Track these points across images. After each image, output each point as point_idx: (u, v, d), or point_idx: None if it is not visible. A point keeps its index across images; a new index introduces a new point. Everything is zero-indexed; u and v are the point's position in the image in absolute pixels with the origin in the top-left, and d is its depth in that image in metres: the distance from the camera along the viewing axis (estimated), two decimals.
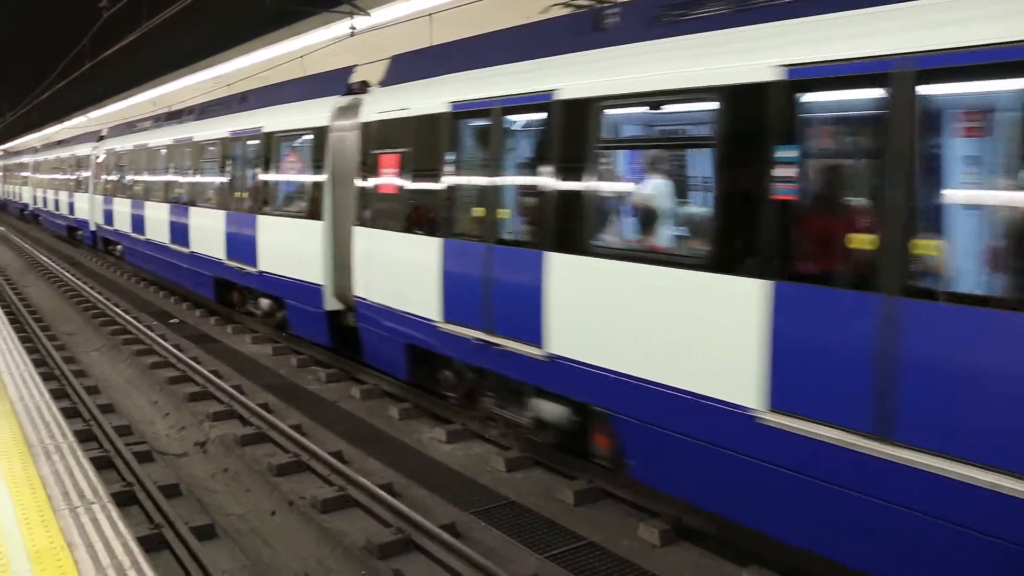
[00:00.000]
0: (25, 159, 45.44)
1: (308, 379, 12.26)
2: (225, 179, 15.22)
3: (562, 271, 7.30)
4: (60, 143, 36.96)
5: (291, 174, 13.14)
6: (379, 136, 10.24)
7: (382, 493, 7.50)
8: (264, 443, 9.44)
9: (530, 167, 7.90)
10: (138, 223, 20.74)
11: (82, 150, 28.67)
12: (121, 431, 9.75)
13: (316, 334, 12.37)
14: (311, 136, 12.15)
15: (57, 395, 9.80)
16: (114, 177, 23.84)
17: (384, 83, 10.78)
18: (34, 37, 27.74)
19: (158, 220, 18.94)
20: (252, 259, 13.73)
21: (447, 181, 8.91)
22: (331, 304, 11.69)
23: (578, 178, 7.16)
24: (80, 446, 5.79)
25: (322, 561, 6.84)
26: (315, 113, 12.09)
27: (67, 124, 48.05)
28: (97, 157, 26.15)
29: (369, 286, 10.39)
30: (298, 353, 13.46)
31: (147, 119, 22.86)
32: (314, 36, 19.13)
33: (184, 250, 17.13)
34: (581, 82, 7.23)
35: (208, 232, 15.74)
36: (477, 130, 8.73)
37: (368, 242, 10.39)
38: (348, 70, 12.46)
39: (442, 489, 8.03)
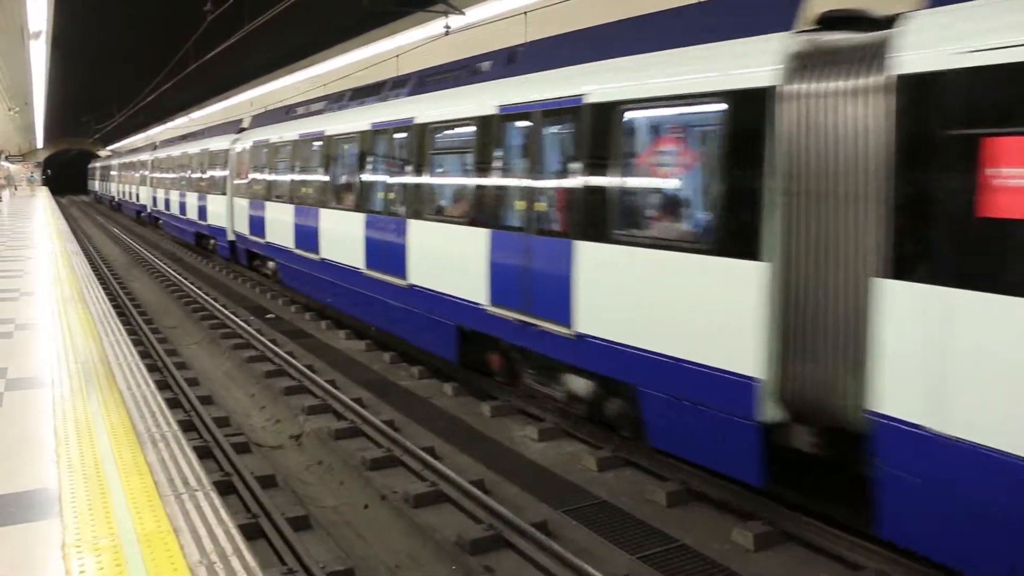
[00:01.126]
0: (143, 156, 40.82)
1: (401, 375, 12.39)
2: (487, 181, 9.84)
3: None
4: (186, 137, 32.59)
5: (664, 176, 7.60)
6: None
7: (474, 489, 7.52)
8: (358, 437, 9.57)
9: None
10: (307, 237, 15.80)
11: (217, 144, 24.11)
12: (220, 422, 10.02)
13: (725, 458, 7.09)
14: (725, 107, 6.80)
15: (161, 386, 10.11)
16: (266, 176, 18.90)
17: None
18: (143, 41, 28.78)
19: (344, 235, 13.95)
20: (558, 311, 8.51)
21: None
22: (772, 411, 6.59)
23: None
24: (183, 435, 5.95)
25: (413, 555, 6.89)
26: (733, 67, 6.85)
27: (170, 125, 49.67)
28: (238, 152, 21.63)
29: (967, 408, 5.19)
30: (390, 349, 13.61)
31: (315, 100, 18.05)
32: (409, 36, 19.35)
33: (398, 282, 11.99)
34: None
35: (451, 260, 10.64)
36: None
37: (976, 320, 5.14)
38: None
39: (533, 487, 8.02)
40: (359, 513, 7.76)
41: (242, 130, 22.92)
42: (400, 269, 11.86)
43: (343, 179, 14.48)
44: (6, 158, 63.52)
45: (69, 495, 4.72)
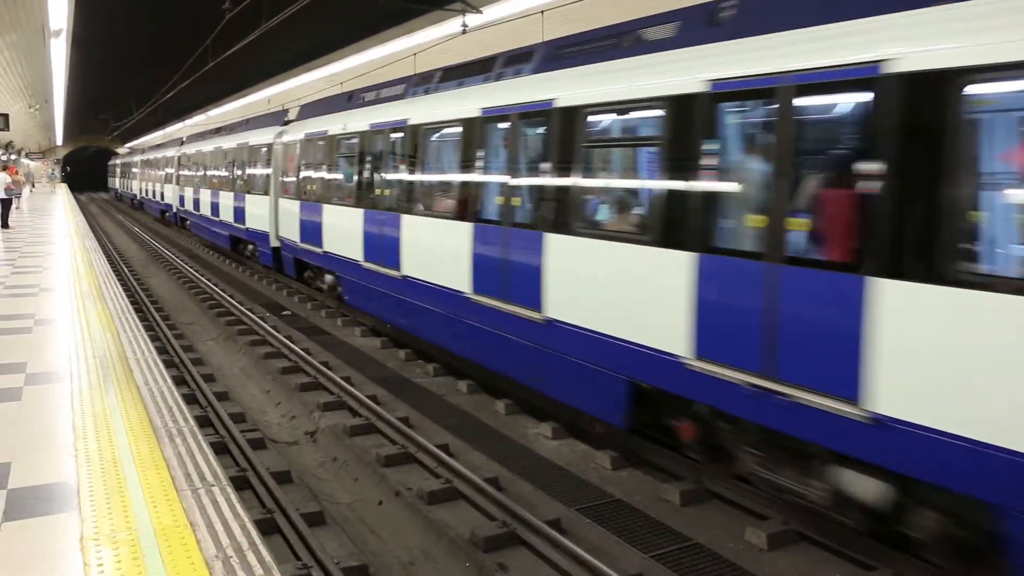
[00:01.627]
0: (169, 152, 37.81)
1: (416, 372, 12.41)
2: (688, 185, 7.12)
3: None
4: (219, 131, 29.74)
5: None
6: None
7: (488, 487, 7.54)
8: (372, 434, 9.60)
9: None
10: (382, 248, 13.03)
11: (258, 137, 21.66)
12: (236, 418, 10.09)
13: None
14: None
15: (177, 382, 10.18)
16: (323, 174, 16.30)
17: None
18: (161, 40, 28.92)
19: (440, 249, 11.25)
20: (834, 379, 5.86)
21: None
22: None
23: None
24: (200, 431, 6.00)
25: (427, 552, 6.92)
26: None
27: (188, 122, 49.84)
28: (285, 145, 19.37)
29: None
30: (406, 347, 13.63)
31: (388, 84, 14.96)
32: (426, 34, 19.37)
33: (528, 314, 9.25)
34: None
35: (622, 292, 7.91)
36: None
37: None
38: None
39: (547, 485, 8.02)
40: (373, 509, 7.80)
41: (287, 122, 20.60)
42: (532, 298, 9.16)
43: (438, 179, 12.03)
44: (26, 155, 64.01)
45: (87, 489, 4.77)
